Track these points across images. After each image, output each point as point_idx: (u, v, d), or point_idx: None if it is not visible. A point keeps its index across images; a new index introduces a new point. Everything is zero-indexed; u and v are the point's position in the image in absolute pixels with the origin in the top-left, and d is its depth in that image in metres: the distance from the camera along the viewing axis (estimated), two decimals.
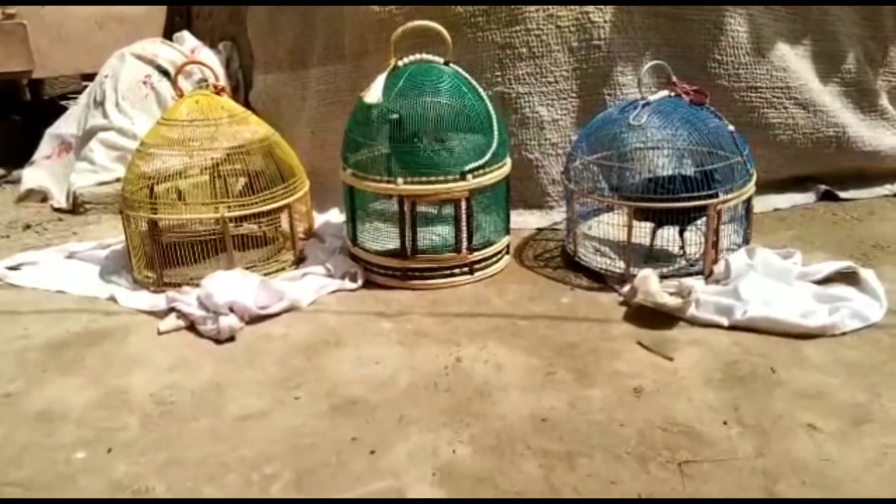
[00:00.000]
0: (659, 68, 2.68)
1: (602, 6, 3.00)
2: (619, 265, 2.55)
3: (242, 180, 2.64)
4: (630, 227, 2.47)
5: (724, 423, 1.81)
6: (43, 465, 1.77)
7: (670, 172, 2.54)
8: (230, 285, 2.36)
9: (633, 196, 2.49)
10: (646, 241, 2.66)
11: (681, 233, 2.61)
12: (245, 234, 2.67)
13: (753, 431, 1.78)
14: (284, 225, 2.74)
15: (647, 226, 2.65)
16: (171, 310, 2.39)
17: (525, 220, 3.05)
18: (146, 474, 1.73)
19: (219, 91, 2.70)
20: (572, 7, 3.00)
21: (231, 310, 2.31)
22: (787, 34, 3.14)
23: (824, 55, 3.21)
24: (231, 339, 2.27)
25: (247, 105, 3.47)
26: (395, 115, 2.46)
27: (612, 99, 3.04)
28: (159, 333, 2.32)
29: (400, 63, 2.58)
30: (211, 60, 3.71)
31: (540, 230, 3.03)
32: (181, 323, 2.34)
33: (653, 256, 2.63)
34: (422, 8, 3.00)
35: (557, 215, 3.06)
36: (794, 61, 3.14)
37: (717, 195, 2.42)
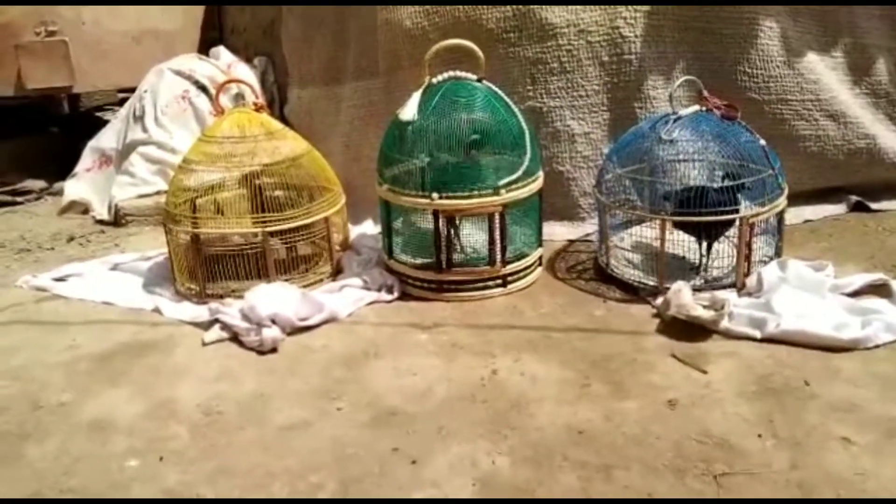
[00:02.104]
0: (690, 83, 2.72)
1: (633, 21, 3.04)
2: (651, 277, 2.59)
3: (280, 193, 2.71)
4: (663, 240, 2.50)
5: (759, 435, 1.85)
6: (97, 473, 1.85)
7: (702, 183, 2.57)
8: (272, 297, 2.44)
9: (665, 208, 2.53)
10: (678, 252, 2.69)
11: (709, 246, 2.64)
12: (284, 247, 2.73)
13: (788, 444, 1.81)
14: (322, 238, 2.80)
15: (681, 238, 2.68)
16: (215, 321, 2.46)
17: (557, 232, 3.11)
18: (196, 482, 1.79)
19: (258, 108, 2.78)
20: (603, 23, 3.04)
21: (273, 321, 2.38)
22: (816, 46, 3.16)
23: (854, 66, 3.23)
24: (273, 350, 2.34)
25: (282, 119, 3.56)
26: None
27: (643, 112, 3.09)
28: (204, 345, 2.40)
29: (434, 80, 2.64)
30: (248, 76, 3.81)
31: (572, 242, 3.08)
32: (225, 334, 2.42)
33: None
34: (454, 25, 3.06)
35: (589, 227, 3.10)
36: (824, 73, 3.16)
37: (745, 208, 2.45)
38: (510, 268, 2.65)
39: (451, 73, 2.65)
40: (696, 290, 2.46)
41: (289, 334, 2.41)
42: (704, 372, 2.11)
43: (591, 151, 3.13)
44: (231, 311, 2.45)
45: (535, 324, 2.45)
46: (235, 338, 2.41)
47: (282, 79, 3.93)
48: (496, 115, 2.58)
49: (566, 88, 3.08)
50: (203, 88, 3.81)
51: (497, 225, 2.59)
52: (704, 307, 2.34)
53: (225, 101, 3.63)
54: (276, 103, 3.95)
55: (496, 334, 2.39)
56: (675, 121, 2.59)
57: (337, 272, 2.81)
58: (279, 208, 2.63)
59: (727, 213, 2.47)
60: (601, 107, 3.11)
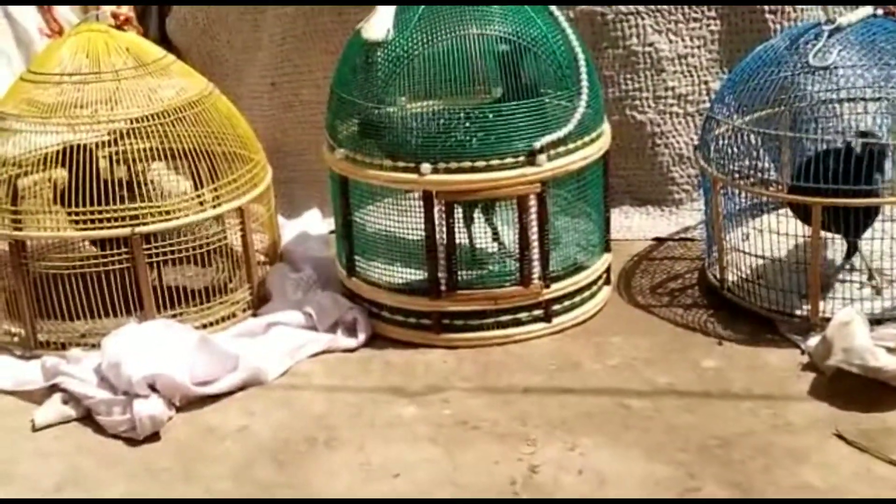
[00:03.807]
0: None
1: None
2: (799, 302, 2.59)
3: (161, 168, 2.70)
4: (817, 238, 2.50)
5: None
6: None
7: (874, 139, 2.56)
8: (150, 348, 2.42)
9: (821, 187, 2.52)
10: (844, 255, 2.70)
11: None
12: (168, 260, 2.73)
13: None
14: (234, 241, 2.80)
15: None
16: (54, 389, 2.45)
17: (635, 226, 3.12)
18: None
19: (121, 24, 2.77)
20: None
21: (153, 388, 2.36)
22: None
23: None
24: (154, 436, 2.33)
25: (163, 41, 3.55)
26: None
27: (778, 20, 3.09)
28: (35, 429, 2.38)
29: None
30: None
31: (660, 242, 3.08)
32: (71, 411, 2.40)
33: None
34: None
35: (690, 216, 3.12)
36: None
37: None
38: (556, 289, 2.65)
39: None
40: (875, 321, 2.45)
41: (179, 409, 2.41)
42: (895, 463, 2.10)
43: (691, 87, 3.13)
44: (80, 371, 2.43)
45: (600, 384, 2.44)
46: (89, 416, 2.39)
47: None
48: (530, 30, 2.57)
49: None
50: None
51: (533, 216, 2.58)
52: (890, 351, 2.33)
53: (65, 11, 3.63)
54: (153, 14, 3.94)
55: (534, 403, 2.38)
56: (831, 34, 2.58)
57: (261, 301, 2.80)
58: (159, 194, 2.62)
59: None
60: (706, 12, 3.11)
